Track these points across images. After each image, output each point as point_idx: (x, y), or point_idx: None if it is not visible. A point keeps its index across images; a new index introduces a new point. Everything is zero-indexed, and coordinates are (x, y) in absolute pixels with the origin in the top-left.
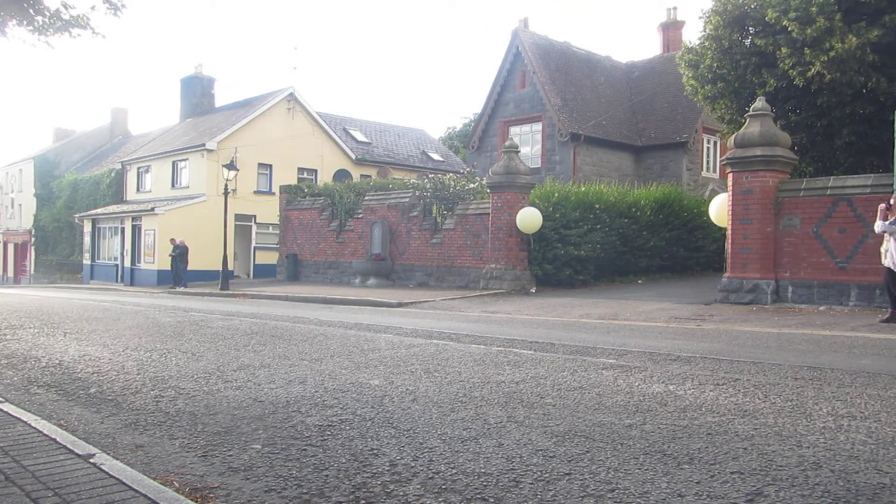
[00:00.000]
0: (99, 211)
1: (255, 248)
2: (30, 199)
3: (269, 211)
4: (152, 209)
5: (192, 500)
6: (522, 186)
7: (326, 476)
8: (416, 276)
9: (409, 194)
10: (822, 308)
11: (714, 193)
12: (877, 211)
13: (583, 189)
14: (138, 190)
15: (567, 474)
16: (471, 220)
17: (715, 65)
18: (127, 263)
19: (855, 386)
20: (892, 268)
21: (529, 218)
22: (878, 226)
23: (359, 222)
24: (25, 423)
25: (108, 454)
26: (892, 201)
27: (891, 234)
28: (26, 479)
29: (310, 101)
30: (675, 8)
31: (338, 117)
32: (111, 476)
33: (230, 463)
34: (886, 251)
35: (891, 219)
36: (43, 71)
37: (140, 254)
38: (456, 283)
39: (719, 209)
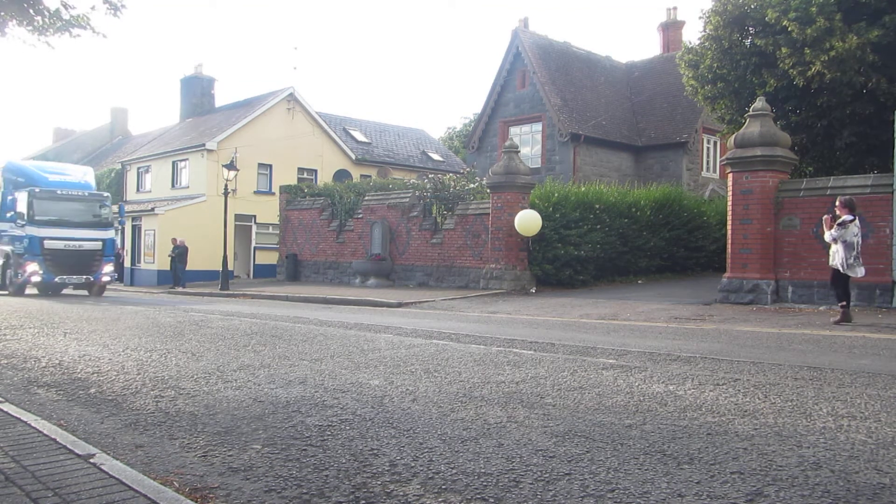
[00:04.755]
0: None
1: (255, 248)
2: None
3: (269, 211)
4: (152, 209)
5: (192, 500)
6: (522, 186)
7: (326, 476)
8: (416, 276)
9: (409, 194)
10: (822, 308)
11: (714, 193)
12: (822, 222)
13: (583, 189)
14: (138, 190)
15: (567, 474)
16: (471, 220)
17: (715, 65)
18: (127, 263)
19: (855, 386)
20: (838, 268)
21: (529, 220)
22: (828, 235)
23: (359, 222)
24: (25, 423)
25: (108, 454)
26: (836, 211)
27: (839, 240)
28: (26, 479)
29: (310, 101)
30: (675, 8)
31: (338, 117)
32: (111, 476)
33: (230, 463)
34: (835, 252)
35: (835, 226)
36: (43, 71)
37: (140, 254)
38: (456, 283)
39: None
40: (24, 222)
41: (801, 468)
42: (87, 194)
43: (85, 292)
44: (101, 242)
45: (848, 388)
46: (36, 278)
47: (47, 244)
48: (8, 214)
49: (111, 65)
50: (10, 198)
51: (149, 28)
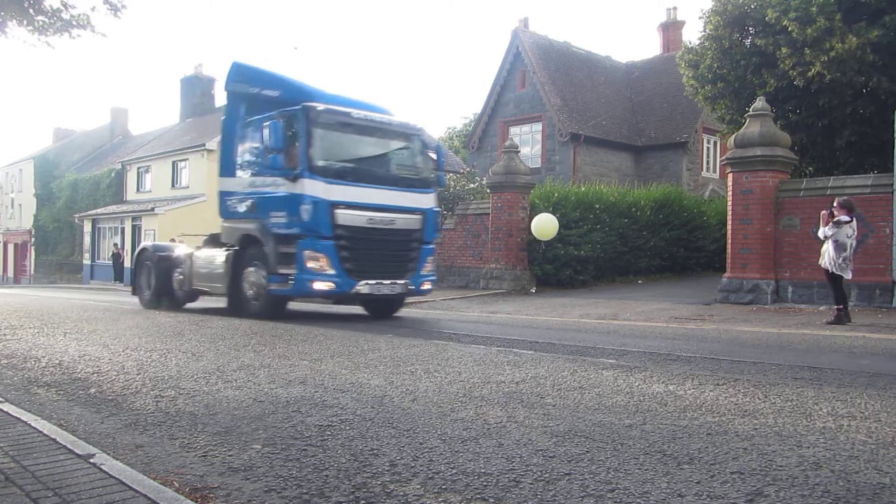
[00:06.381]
0: (99, 211)
1: None
2: (30, 199)
3: None
4: (152, 209)
5: (192, 500)
6: (522, 186)
7: (326, 476)
8: None
9: None
10: (822, 308)
11: (714, 193)
12: (820, 216)
13: (583, 189)
14: (138, 190)
15: (567, 474)
16: (471, 220)
17: (715, 65)
18: (127, 263)
19: (855, 386)
20: (828, 268)
21: (546, 225)
22: (822, 232)
23: None
24: (25, 423)
25: (108, 454)
26: (835, 204)
27: (831, 238)
28: (26, 479)
29: None
30: (675, 8)
31: None
32: (111, 476)
33: (230, 463)
34: (825, 252)
35: (831, 223)
36: (43, 71)
37: None
38: (456, 283)
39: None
40: (296, 171)
41: (801, 468)
42: (392, 123)
43: (359, 309)
44: (419, 217)
45: (848, 388)
46: (324, 286)
47: (341, 217)
48: (256, 157)
49: (111, 65)
50: (251, 122)
51: (149, 28)
